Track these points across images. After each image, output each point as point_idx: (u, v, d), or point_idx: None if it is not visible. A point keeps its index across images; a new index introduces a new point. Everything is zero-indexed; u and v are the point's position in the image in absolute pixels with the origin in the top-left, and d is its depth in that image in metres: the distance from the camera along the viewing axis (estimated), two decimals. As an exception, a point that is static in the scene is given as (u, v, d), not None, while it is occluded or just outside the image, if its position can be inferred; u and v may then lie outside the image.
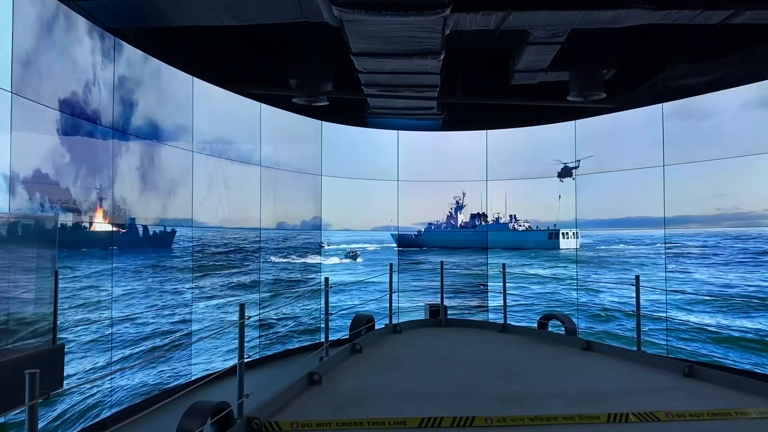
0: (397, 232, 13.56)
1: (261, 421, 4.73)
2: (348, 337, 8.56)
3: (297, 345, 11.53)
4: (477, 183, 13.42)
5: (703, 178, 10.16)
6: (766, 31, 8.72)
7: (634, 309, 7.67)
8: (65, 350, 6.25)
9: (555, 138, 12.63)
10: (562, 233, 13.51)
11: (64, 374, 6.21)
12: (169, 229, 8.94)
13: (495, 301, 12.69)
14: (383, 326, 9.12)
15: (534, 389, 5.97)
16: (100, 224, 7.40)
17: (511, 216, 14.27)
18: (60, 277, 6.24)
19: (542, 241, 14.08)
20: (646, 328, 10.37)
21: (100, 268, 7.34)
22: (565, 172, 12.57)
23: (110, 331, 7.34)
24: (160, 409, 4.29)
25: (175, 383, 8.45)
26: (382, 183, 13.17)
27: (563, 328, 9.10)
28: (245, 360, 5.21)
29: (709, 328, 10.02)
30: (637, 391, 5.92)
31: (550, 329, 9.32)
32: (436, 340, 8.81)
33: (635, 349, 7.53)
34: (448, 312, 10.27)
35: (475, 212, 14.14)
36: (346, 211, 13.21)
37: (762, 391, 5.71)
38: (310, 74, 10.31)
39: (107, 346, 7.26)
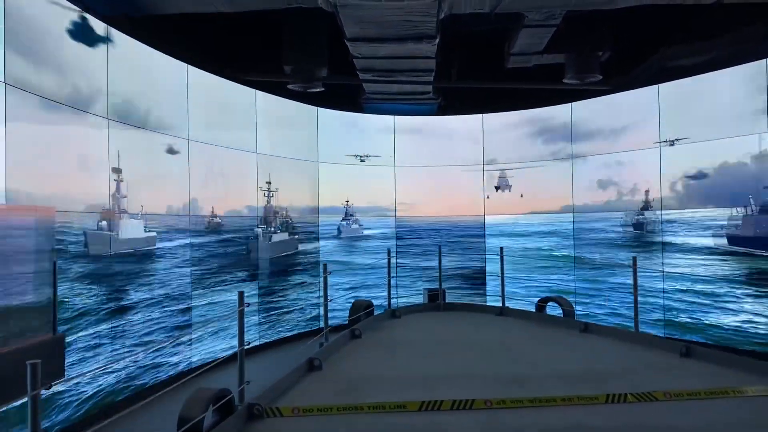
0: (395, 216, 13.54)
1: (262, 407, 4.76)
2: (347, 322, 8.61)
3: (297, 332, 11.59)
4: (474, 168, 13.39)
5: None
6: (761, 10, 8.69)
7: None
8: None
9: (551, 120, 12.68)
10: None
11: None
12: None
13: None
14: (382, 311, 9.16)
15: (533, 371, 6.02)
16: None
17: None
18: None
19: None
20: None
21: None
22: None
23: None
24: (161, 396, 4.32)
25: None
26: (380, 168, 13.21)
27: (561, 311, 9.17)
28: (245, 347, 5.24)
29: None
30: (635, 371, 5.97)
31: (548, 312, 9.38)
32: (434, 324, 8.85)
33: (633, 329, 7.58)
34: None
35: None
36: (348, 196, 13.23)
37: (759, 370, 5.77)
38: (304, 60, 10.24)
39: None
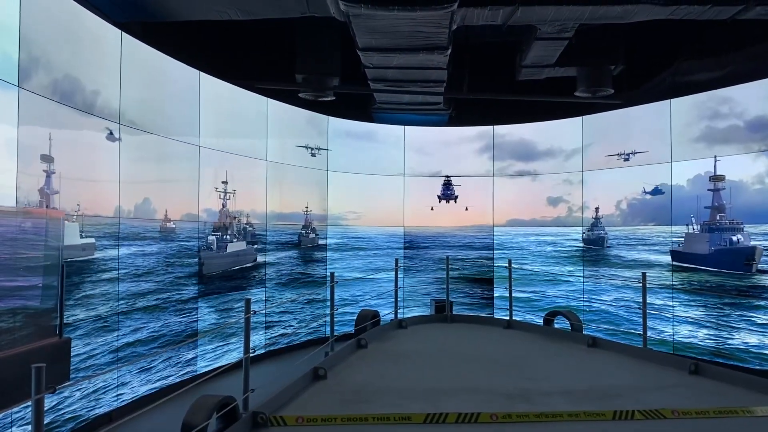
0: (403, 227, 13.53)
1: (266, 415, 4.74)
2: (353, 332, 8.58)
3: (302, 340, 11.57)
4: (483, 179, 13.39)
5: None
6: (776, 27, 8.65)
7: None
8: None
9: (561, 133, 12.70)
10: None
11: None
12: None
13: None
14: (388, 321, 9.12)
15: (539, 386, 5.96)
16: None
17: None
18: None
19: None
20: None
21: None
22: None
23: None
24: (166, 403, 4.31)
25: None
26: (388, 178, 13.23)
27: (569, 325, 9.09)
28: (251, 354, 5.22)
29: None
30: (643, 388, 5.90)
31: (555, 326, 9.31)
32: (441, 335, 8.80)
33: (641, 346, 7.51)
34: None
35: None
36: (355, 206, 13.24)
37: None
38: (316, 69, 10.30)
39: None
